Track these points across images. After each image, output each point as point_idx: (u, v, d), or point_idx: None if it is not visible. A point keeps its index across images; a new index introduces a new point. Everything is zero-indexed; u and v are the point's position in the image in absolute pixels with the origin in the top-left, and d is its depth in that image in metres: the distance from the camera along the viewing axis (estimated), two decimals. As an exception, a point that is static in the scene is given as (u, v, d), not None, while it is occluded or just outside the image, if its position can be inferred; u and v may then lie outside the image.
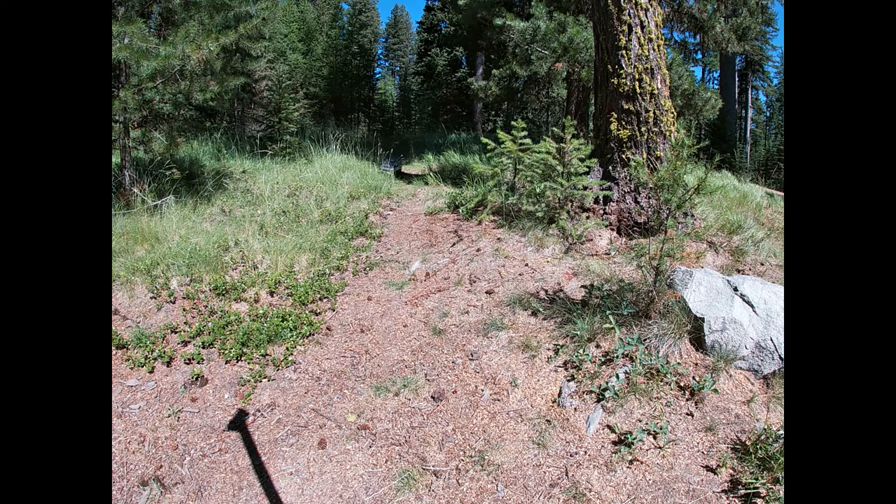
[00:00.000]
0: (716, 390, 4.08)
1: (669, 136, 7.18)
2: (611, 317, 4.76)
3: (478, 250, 7.07)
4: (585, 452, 3.75)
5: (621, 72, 7.10)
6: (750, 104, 34.81)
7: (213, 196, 8.91)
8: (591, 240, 7.08)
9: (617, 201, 7.49)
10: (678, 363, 4.37)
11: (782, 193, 11.17)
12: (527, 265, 6.52)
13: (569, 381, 4.41)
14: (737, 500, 3.30)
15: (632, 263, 6.13)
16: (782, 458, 3.32)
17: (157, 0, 8.62)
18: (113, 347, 4.99)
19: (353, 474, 3.76)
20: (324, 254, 7.02)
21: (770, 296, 4.58)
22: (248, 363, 4.98)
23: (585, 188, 7.43)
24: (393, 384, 4.64)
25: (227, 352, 5.01)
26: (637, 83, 7.05)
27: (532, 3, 11.71)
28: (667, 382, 4.23)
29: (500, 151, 8.21)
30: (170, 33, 7.28)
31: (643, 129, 7.18)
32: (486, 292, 5.96)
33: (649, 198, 7.23)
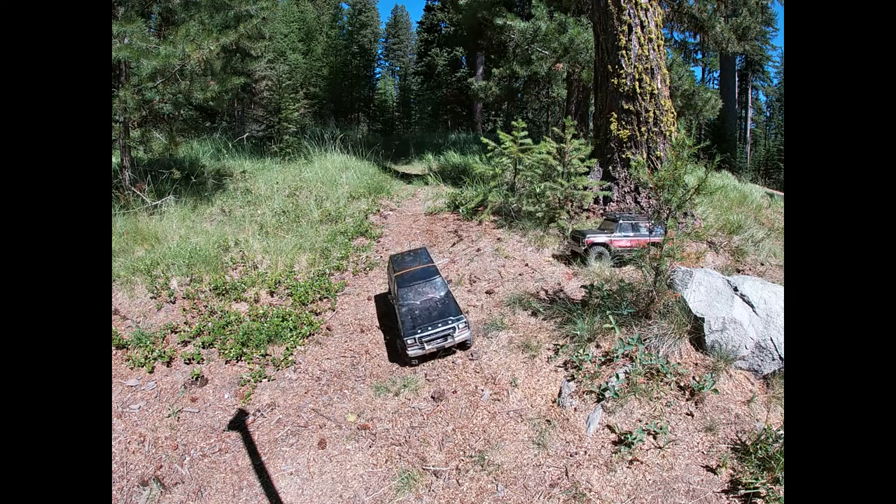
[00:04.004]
0: (716, 390, 4.08)
1: (669, 136, 7.19)
2: (611, 317, 4.76)
3: (478, 250, 7.07)
4: (585, 452, 3.75)
5: (621, 72, 7.10)
6: (750, 104, 34.83)
7: (213, 196, 8.91)
8: (591, 240, 7.09)
9: (617, 201, 7.50)
10: (678, 363, 4.37)
11: (782, 193, 11.18)
12: (527, 265, 6.52)
13: (569, 381, 4.41)
14: (737, 500, 3.30)
15: (632, 263, 6.13)
16: (782, 458, 3.32)
17: (157, 0, 8.62)
18: (113, 347, 4.99)
19: (353, 474, 3.76)
20: (324, 254, 7.02)
21: (770, 296, 4.58)
22: (248, 363, 4.98)
23: (585, 188, 7.43)
24: (393, 384, 4.64)
25: (227, 352, 5.01)
26: (637, 83, 7.05)
27: (533, 4, 11.71)
28: (667, 382, 4.23)
29: (501, 152, 8.21)
30: (170, 33, 7.29)
31: (643, 129, 7.19)
32: (486, 292, 5.97)
33: (649, 198, 7.23)
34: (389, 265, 5.76)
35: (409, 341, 4.64)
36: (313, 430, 4.21)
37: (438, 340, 4.67)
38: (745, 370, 4.34)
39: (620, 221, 6.41)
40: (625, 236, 6.31)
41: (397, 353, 4.95)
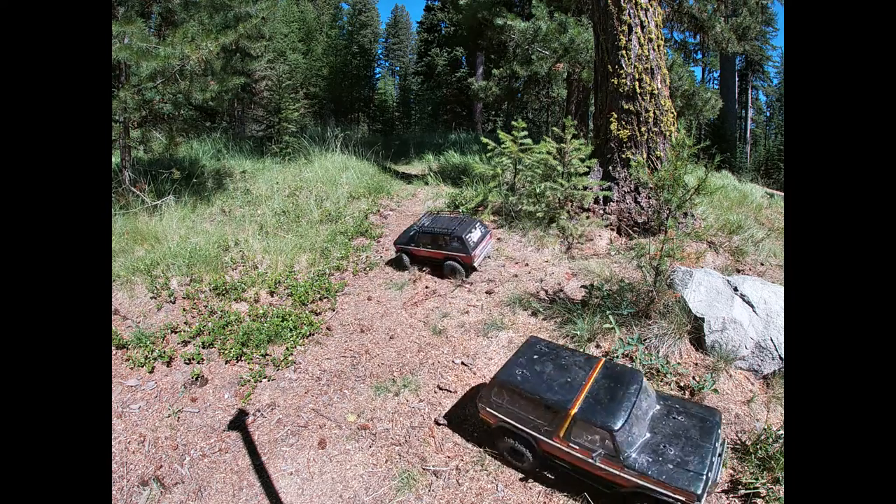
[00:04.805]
0: (716, 390, 4.08)
1: (669, 136, 7.18)
2: (611, 317, 4.76)
3: (478, 250, 7.07)
4: (585, 452, 3.75)
5: (621, 72, 7.10)
6: (750, 104, 34.84)
7: (213, 196, 8.91)
8: (591, 240, 7.08)
9: (617, 201, 7.49)
10: (678, 363, 4.37)
11: (782, 193, 11.18)
12: (527, 265, 6.52)
13: (569, 381, 4.41)
14: (737, 500, 3.30)
15: (632, 263, 6.13)
16: (782, 458, 3.32)
17: (157, 0, 8.62)
18: (113, 347, 4.99)
19: (353, 474, 3.76)
20: (324, 254, 7.02)
21: (770, 296, 4.58)
22: (248, 363, 4.98)
23: (585, 188, 7.43)
24: (393, 384, 4.64)
25: (227, 352, 5.01)
26: (637, 83, 7.05)
27: (533, 4, 11.71)
28: (667, 382, 4.23)
29: (501, 151, 8.21)
30: (169, 33, 7.28)
31: (643, 129, 7.18)
32: (486, 292, 5.96)
33: (649, 198, 7.23)
34: (506, 393, 3.39)
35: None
36: (313, 430, 4.21)
37: (718, 465, 3.00)
38: (745, 370, 4.34)
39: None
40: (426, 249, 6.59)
41: None
